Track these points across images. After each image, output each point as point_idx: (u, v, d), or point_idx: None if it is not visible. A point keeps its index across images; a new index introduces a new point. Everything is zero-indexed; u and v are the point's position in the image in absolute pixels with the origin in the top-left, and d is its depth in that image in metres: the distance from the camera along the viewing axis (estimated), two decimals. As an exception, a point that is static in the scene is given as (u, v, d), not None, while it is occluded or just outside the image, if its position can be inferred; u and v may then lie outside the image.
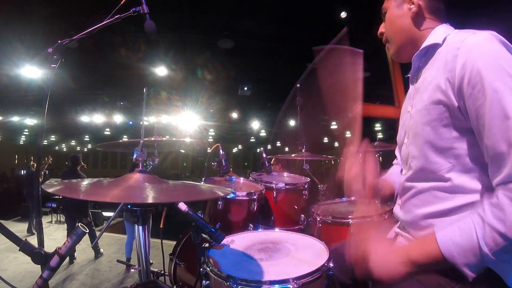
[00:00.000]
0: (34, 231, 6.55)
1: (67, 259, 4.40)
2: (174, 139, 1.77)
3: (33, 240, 0.85)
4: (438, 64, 0.83)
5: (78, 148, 25.46)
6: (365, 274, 0.81)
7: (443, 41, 0.85)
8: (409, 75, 1.03)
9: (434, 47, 0.87)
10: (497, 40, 0.75)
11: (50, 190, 0.76)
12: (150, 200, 0.74)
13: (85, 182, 0.86)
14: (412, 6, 0.91)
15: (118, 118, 11.29)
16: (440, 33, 0.88)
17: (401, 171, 1.10)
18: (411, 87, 1.00)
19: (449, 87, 0.78)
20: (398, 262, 0.78)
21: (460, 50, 0.76)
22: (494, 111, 0.70)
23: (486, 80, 0.71)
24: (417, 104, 0.89)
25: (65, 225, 7.35)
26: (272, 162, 2.16)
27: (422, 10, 0.91)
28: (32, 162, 6.94)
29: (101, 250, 4.68)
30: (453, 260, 0.72)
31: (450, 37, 0.85)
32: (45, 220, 7.97)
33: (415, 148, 0.88)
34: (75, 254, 4.51)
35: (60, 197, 7.42)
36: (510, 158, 0.68)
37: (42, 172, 6.58)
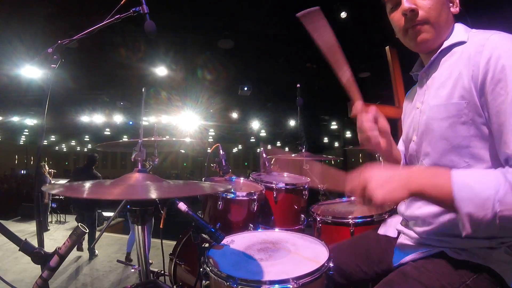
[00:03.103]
0: (48, 228, 6.81)
1: (88, 255, 4.53)
2: (174, 139, 1.77)
3: (33, 240, 0.85)
4: (458, 60, 0.82)
5: (78, 148, 25.46)
6: (364, 199, 0.74)
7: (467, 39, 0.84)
8: (413, 72, 1.01)
9: (456, 45, 0.85)
10: None
11: (52, 192, 0.77)
12: (153, 196, 0.74)
13: (87, 183, 0.86)
14: (451, 4, 0.89)
15: (118, 118, 11.29)
16: (462, 31, 0.87)
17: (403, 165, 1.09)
18: (419, 83, 0.98)
19: (472, 83, 0.76)
20: (400, 186, 0.72)
21: (485, 47, 0.75)
22: None
23: (509, 76, 0.70)
24: (432, 100, 0.87)
25: (65, 225, 7.39)
26: (272, 162, 2.16)
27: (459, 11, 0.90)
28: (43, 163, 7.00)
29: (96, 252, 4.67)
30: (459, 202, 0.66)
31: (472, 35, 0.84)
32: (45, 220, 7.97)
33: (428, 145, 0.87)
34: (95, 251, 4.61)
35: (62, 197, 7.50)
36: None
37: (51, 171, 6.68)
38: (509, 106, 0.69)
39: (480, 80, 0.74)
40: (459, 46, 0.84)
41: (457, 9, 0.90)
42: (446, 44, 0.87)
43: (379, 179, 0.72)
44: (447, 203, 0.68)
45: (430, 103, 0.87)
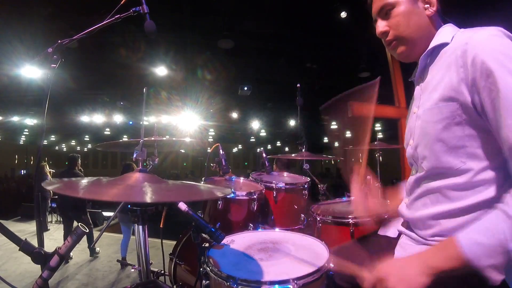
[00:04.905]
0: (48, 228, 6.79)
1: (88, 256, 4.48)
2: (174, 138, 1.77)
3: (33, 240, 0.85)
4: (446, 62, 0.82)
5: (78, 148, 25.45)
6: None
7: (451, 39, 0.85)
8: (412, 78, 1.02)
9: (441, 46, 0.87)
10: (505, 35, 0.75)
11: (49, 188, 0.76)
12: (148, 200, 0.74)
13: (85, 180, 0.86)
14: (428, 5, 0.90)
15: (118, 118, 11.28)
16: (447, 32, 0.88)
17: None
18: (416, 88, 0.99)
19: (462, 82, 0.77)
20: (418, 273, 0.72)
21: (469, 45, 0.76)
22: (508, 102, 0.69)
23: (496, 72, 0.70)
24: (425, 104, 0.88)
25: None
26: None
27: (438, 10, 0.91)
28: (44, 163, 6.98)
29: (97, 249, 4.65)
30: (478, 262, 0.66)
31: (458, 35, 0.85)
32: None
33: (425, 148, 0.87)
34: (71, 254, 4.49)
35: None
36: None
37: (50, 171, 6.68)
38: (502, 101, 0.70)
39: (471, 78, 0.75)
40: (447, 47, 0.85)
41: (434, 9, 0.89)
42: (430, 46, 0.89)
43: (395, 275, 0.73)
44: (468, 268, 0.68)
45: (424, 107, 0.88)
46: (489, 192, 0.78)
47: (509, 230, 0.65)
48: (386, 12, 0.92)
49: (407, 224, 1.00)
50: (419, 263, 0.74)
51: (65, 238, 4.66)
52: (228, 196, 1.55)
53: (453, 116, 0.79)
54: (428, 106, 0.86)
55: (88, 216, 4.80)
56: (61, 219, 7.60)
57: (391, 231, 1.09)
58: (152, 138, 1.56)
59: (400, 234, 1.04)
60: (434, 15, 0.90)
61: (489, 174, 0.78)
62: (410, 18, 0.89)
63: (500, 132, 0.72)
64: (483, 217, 0.72)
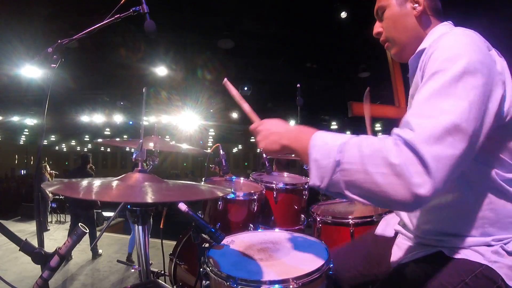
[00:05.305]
0: (48, 228, 6.88)
1: (88, 256, 4.51)
2: (172, 142, 1.77)
3: (33, 240, 0.85)
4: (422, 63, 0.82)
5: (78, 148, 25.46)
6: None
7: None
8: (409, 75, 1.03)
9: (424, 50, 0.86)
10: (464, 34, 0.73)
11: (49, 189, 0.77)
12: (149, 200, 0.74)
13: (85, 181, 0.86)
14: (416, 5, 0.89)
15: (118, 118, 11.29)
16: (436, 34, 0.87)
17: None
18: (411, 88, 0.99)
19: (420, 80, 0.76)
20: (276, 139, 0.84)
21: (432, 43, 0.76)
22: (424, 91, 0.68)
23: (428, 67, 0.71)
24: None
25: (65, 225, 7.39)
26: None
27: (426, 9, 0.89)
28: (44, 163, 7.01)
29: (100, 251, 4.67)
30: (310, 149, 0.70)
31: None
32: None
33: None
34: (99, 251, 4.63)
35: (62, 197, 7.51)
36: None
37: (53, 173, 6.70)
38: (419, 93, 0.69)
39: (421, 75, 0.76)
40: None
41: (420, 8, 0.88)
42: (418, 49, 0.88)
43: (266, 131, 0.88)
44: (305, 155, 0.72)
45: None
46: (480, 182, 0.79)
47: (349, 144, 0.66)
48: (380, 14, 0.95)
49: (403, 223, 1.00)
50: (282, 133, 0.84)
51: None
52: (228, 197, 1.55)
53: None
54: None
55: (95, 216, 4.90)
56: (61, 219, 7.64)
57: (388, 231, 1.09)
58: (152, 139, 1.55)
59: (397, 233, 1.04)
60: (422, 15, 0.89)
61: (478, 166, 0.77)
62: (396, 21, 0.91)
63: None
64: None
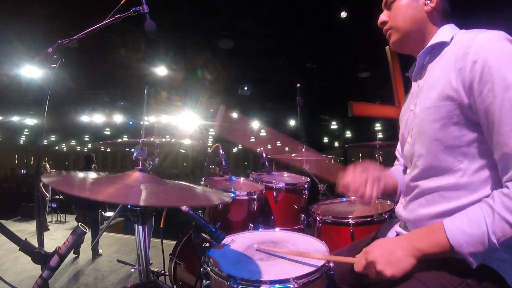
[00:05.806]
0: (48, 228, 6.84)
1: (88, 256, 4.49)
2: (173, 140, 1.77)
3: (33, 240, 0.85)
4: (447, 62, 0.83)
5: (78, 148, 25.45)
6: (377, 278, 0.79)
7: (451, 39, 0.86)
8: (409, 74, 1.03)
9: (441, 45, 0.88)
10: (506, 39, 0.76)
11: (45, 180, 0.75)
12: (141, 203, 0.72)
13: (81, 176, 0.85)
14: (429, 1, 0.92)
15: (118, 118, 11.29)
16: (447, 32, 0.89)
17: (404, 171, 1.10)
18: (413, 85, 0.99)
19: (460, 84, 0.78)
20: (405, 255, 0.77)
21: (471, 48, 0.77)
22: (505, 109, 0.71)
23: (496, 78, 0.72)
24: (423, 102, 0.88)
25: (65, 225, 7.39)
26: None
27: (437, 7, 0.92)
28: (44, 163, 7.00)
29: (100, 251, 4.67)
30: (460, 249, 0.72)
31: (458, 35, 0.86)
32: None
33: (422, 147, 0.88)
34: (99, 251, 4.60)
35: (63, 197, 7.51)
36: None
37: (52, 171, 6.68)
38: (498, 107, 0.71)
39: (468, 81, 0.76)
40: (448, 47, 0.86)
41: (433, 5, 0.91)
42: (429, 43, 0.91)
43: (383, 257, 0.78)
44: (450, 253, 0.74)
45: (422, 106, 0.89)
46: (485, 191, 0.79)
47: (491, 224, 0.70)
48: (389, 4, 0.98)
49: (405, 225, 1.00)
50: (406, 245, 0.78)
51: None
52: (228, 196, 1.55)
53: (450, 116, 0.80)
54: (426, 105, 0.87)
55: (99, 216, 4.93)
56: (61, 219, 7.63)
57: (389, 234, 1.09)
58: (152, 139, 1.56)
59: (398, 235, 1.04)
60: (433, 12, 0.92)
61: (485, 173, 0.79)
62: (406, 11, 0.94)
63: (494, 138, 0.74)
64: (468, 208, 0.76)
